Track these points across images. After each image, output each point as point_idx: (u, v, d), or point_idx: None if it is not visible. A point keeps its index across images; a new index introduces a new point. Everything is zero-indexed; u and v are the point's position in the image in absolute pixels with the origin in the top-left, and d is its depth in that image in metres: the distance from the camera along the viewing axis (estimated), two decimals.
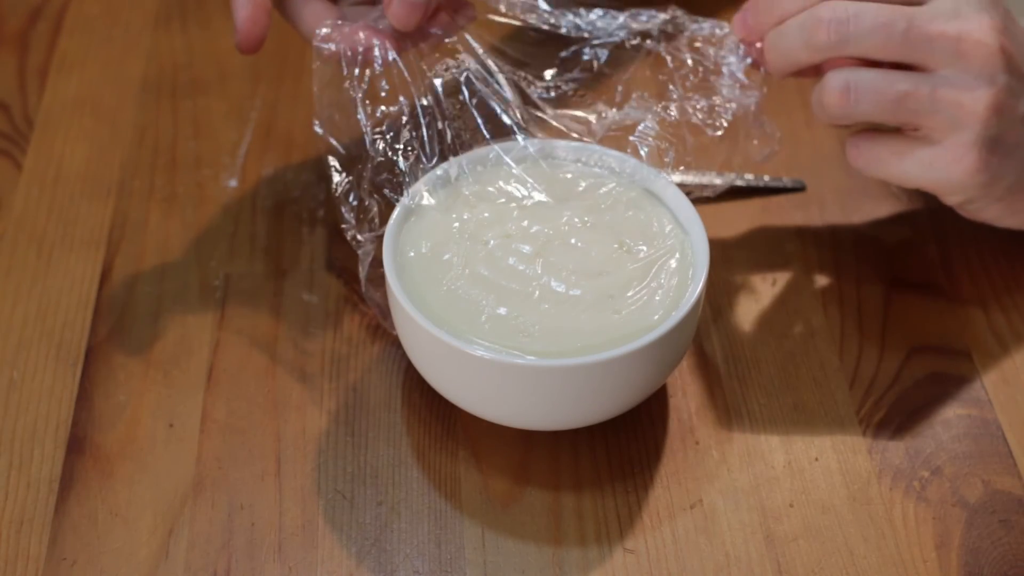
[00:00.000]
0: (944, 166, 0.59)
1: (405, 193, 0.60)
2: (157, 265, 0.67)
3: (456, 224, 0.59)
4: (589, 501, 0.57)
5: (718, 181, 0.71)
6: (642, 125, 0.62)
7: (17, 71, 0.79)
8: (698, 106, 0.63)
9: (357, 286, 0.66)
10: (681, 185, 0.62)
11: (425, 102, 0.61)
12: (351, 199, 0.61)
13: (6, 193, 0.71)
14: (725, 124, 0.63)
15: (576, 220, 0.59)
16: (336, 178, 0.61)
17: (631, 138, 0.62)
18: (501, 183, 0.61)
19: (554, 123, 0.63)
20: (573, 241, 0.58)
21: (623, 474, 0.58)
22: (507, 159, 0.62)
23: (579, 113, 0.64)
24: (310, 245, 0.68)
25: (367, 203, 0.60)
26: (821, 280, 0.66)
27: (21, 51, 0.81)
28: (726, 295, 0.66)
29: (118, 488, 0.58)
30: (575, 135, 0.63)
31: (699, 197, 0.70)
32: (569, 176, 0.62)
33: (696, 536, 0.56)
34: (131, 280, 0.67)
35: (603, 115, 0.63)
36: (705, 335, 0.64)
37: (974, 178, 0.58)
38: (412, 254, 0.58)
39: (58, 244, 0.68)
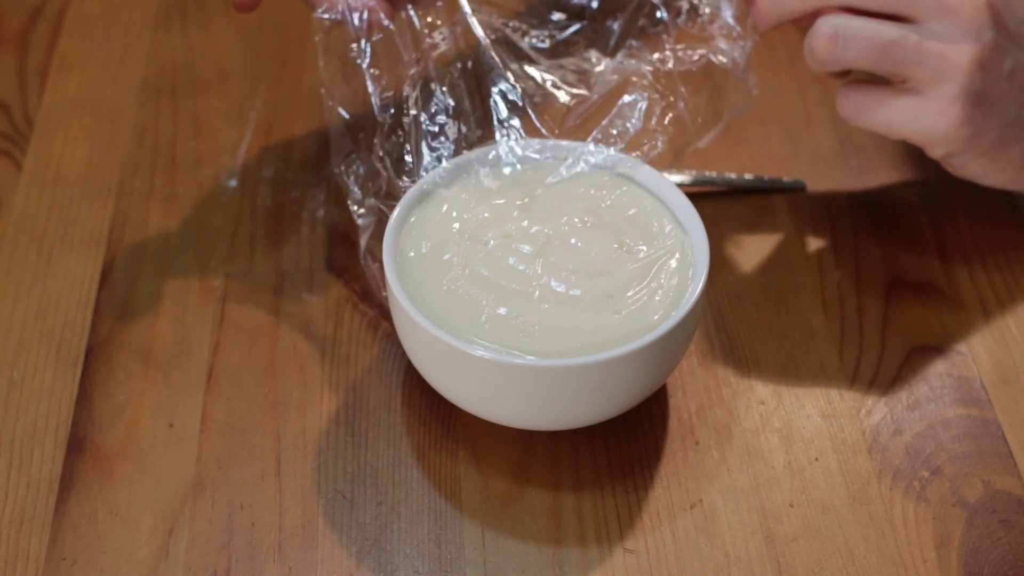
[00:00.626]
0: (928, 117, 0.60)
1: (404, 184, 0.60)
2: (157, 265, 0.67)
3: (456, 224, 0.59)
4: (589, 501, 0.57)
5: (718, 181, 0.71)
6: (635, 75, 0.63)
7: (17, 71, 0.79)
8: (693, 56, 0.64)
9: (357, 286, 0.66)
10: (681, 185, 0.62)
11: (425, 68, 0.62)
12: (356, 167, 0.61)
13: (6, 193, 0.71)
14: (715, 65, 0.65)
15: (576, 220, 0.59)
16: (340, 146, 0.61)
17: (625, 97, 0.62)
18: (501, 183, 0.61)
19: (548, 77, 0.64)
20: (573, 241, 0.58)
21: (623, 474, 0.58)
22: (507, 159, 0.62)
23: (573, 62, 0.65)
24: (310, 245, 0.68)
25: (377, 167, 0.61)
26: (821, 280, 0.66)
27: (21, 51, 0.81)
28: (726, 295, 0.66)
29: (118, 488, 0.58)
30: (572, 88, 0.64)
31: (699, 197, 0.70)
32: (569, 176, 0.62)
33: (696, 536, 0.56)
34: (131, 280, 0.67)
35: (597, 64, 0.64)
36: (705, 335, 0.64)
37: (958, 131, 0.60)
38: (412, 254, 0.58)
39: (58, 244, 0.68)
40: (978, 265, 0.67)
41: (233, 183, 0.72)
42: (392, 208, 0.59)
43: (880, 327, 0.64)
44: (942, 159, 0.63)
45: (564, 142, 0.62)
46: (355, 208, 0.62)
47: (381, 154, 0.61)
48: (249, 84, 0.78)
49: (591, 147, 0.62)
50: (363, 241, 0.61)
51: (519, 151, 0.62)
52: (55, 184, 0.72)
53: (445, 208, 0.60)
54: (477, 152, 0.62)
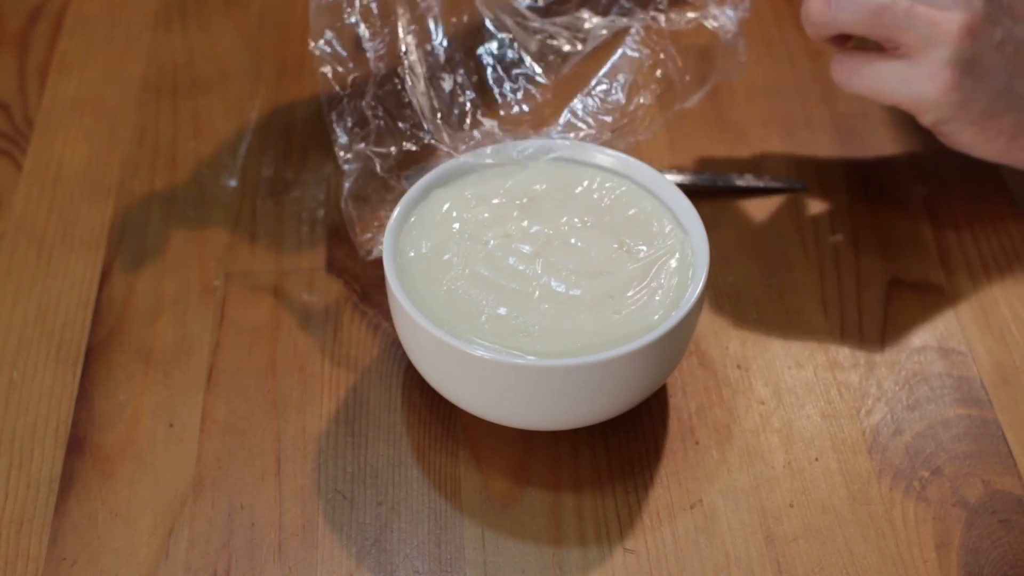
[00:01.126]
0: (918, 82, 0.61)
1: (403, 179, 0.60)
2: (157, 265, 0.67)
3: (456, 224, 0.59)
4: (589, 501, 0.57)
5: (718, 181, 0.71)
6: (631, 33, 0.64)
7: (17, 71, 0.79)
8: (684, 18, 0.65)
9: (357, 286, 0.66)
10: (681, 185, 0.62)
11: (420, 21, 0.63)
12: (345, 115, 0.61)
13: (6, 193, 0.71)
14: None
15: (576, 220, 0.59)
16: (332, 91, 0.62)
17: (617, 52, 0.64)
18: (501, 183, 0.61)
19: (542, 31, 0.65)
20: (573, 241, 0.58)
21: (623, 474, 0.58)
22: (506, 159, 0.62)
23: (566, 20, 0.65)
24: (310, 245, 0.68)
25: (367, 115, 0.61)
26: (821, 280, 0.66)
27: (21, 51, 0.81)
28: (726, 295, 0.66)
29: (118, 488, 0.58)
30: (565, 45, 0.64)
31: (699, 197, 0.70)
32: (569, 176, 0.62)
33: (696, 536, 0.56)
34: (131, 280, 0.67)
35: (589, 21, 0.65)
36: (705, 335, 0.64)
37: (947, 96, 0.61)
38: (412, 254, 0.58)
39: (58, 244, 0.68)
40: (978, 265, 0.67)
41: (233, 183, 0.72)
42: (380, 155, 0.60)
43: (880, 327, 0.64)
44: (932, 126, 0.64)
45: (566, 142, 0.62)
46: (341, 154, 0.62)
47: (373, 103, 0.62)
48: (249, 84, 0.78)
49: (595, 147, 0.62)
50: (347, 184, 0.62)
51: (520, 150, 0.62)
52: (55, 184, 0.72)
53: (445, 208, 0.60)
54: (477, 152, 0.62)
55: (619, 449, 0.59)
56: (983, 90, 0.61)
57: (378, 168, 0.62)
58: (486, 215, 0.60)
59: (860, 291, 0.66)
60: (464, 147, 0.62)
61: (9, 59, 0.80)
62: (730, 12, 0.66)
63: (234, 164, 0.73)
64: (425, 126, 0.61)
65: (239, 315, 0.65)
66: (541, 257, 0.58)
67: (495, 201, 0.60)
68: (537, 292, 0.56)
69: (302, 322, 0.64)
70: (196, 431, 0.60)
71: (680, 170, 0.71)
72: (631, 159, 0.61)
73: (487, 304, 0.56)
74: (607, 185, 0.61)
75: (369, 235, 0.63)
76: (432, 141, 0.62)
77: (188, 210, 0.70)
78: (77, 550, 0.55)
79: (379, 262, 0.58)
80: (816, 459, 0.59)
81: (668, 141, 0.74)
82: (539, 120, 0.65)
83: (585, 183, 0.61)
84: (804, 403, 0.61)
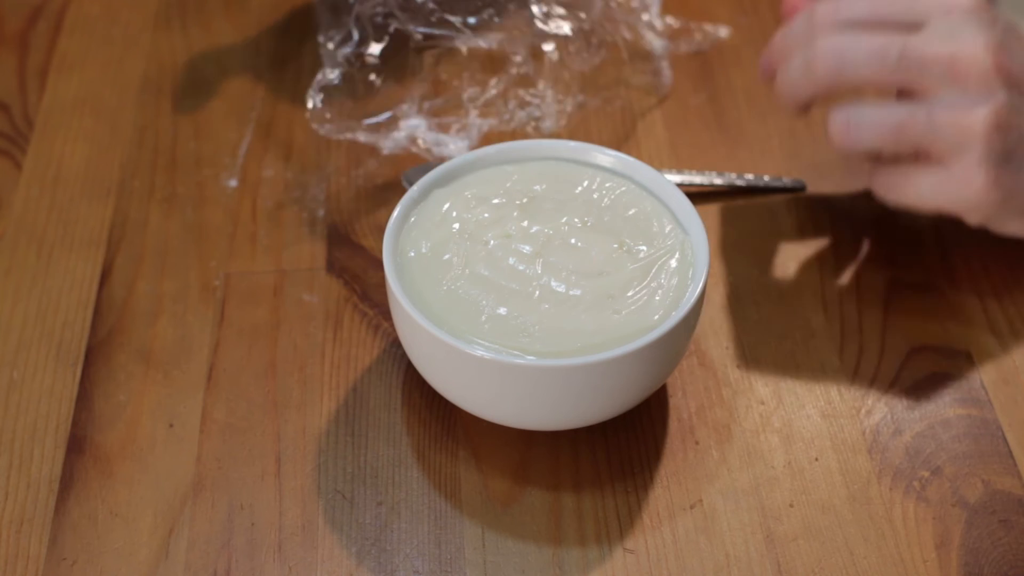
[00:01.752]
0: (955, 188, 0.59)
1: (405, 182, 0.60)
2: (157, 265, 0.67)
3: (456, 224, 0.59)
4: (589, 501, 0.57)
5: (718, 181, 0.71)
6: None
7: (17, 71, 0.79)
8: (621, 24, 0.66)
9: (357, 286, 0.66)
10: (681, 185, 0.62)
11: None
12: (334, 37, 0.65)
13: (6, 193, 0.71)
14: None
15: (576, 220, 0.59)
16: (325, 21, 0.65)
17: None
18: (501, 183, 0.61)
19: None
20: (573, 241, 0.58)
21: (623, 474, 0.58)
22: (506, 159, 0.62)
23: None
24: (310, 245, 0.68)
25: (351, 29, 0.63)
26: (821, 280, 0.66)
27: (21, 51, 0.81)
28: (726, 295, 0.66)
29: (118, 488, 0.58)
30: None
31: (699, 197, 0.70)
32: (569, 176, 0.62)
33: (696, 536, 0.56)
34: (131, 280, 0.67)
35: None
36: (705, 335, 0.64)
37: (987, 196, 0.59)
38: (412, 254, 0.58)
39: (58, 244, 0.68)
40: (978, 265, 0.67)
41: (233, 183, 0.72)
42: (359, 63, 0.60)
43: (880, 327, 0.64)
44: (980, 224, 0.62)
45: (571, 142, 0.63)
46: (328, 69, 0.62)
47: (356, 16, 0.63)
48: (249, 84, 0.78)
49: (595, 147, 0.62)
50: (321, 72, 0.66)
51: (520, 150, 0.62)
52: (55, 184, 0.72)
53: (445, 208, 0.60)
54: (477, 152, 0.62)
55: (619, 449, 0.59)
56: (1022, 184, 0.59)
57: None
58: (486, 215, 0.60)
59: (860, 291, 0.66)
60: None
61: (9, 59, 0.80)
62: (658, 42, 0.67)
63: (234, 164, 0.73)
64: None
65: (239, 315, 0.65)
66: (541, 257, 0.58)
67: (495, 201, 0.60)
68: (537, 292, 0.56)
69: (302, 322, 0.64)
70: (196, 431, 0.60)
71: (680, 170, 0.71)
72: (631, 159, 0.61)
73: (487, 304, 0.56)
74: (607, 185, 0.61)
75: (329, 115, 0.66)
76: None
77: (188, 210, 0.70)
78: (77, 550, 0.55)
79: (379, 262, 0.58)
80: (816, 459, 0.59)
81: (668, 141, 0.74)
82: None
83: (585, 183, 0.61)
84: (804, 403, 0.61)
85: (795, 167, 0.73)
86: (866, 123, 0.60)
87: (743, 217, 0.70)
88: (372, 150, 0.73)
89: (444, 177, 0.61)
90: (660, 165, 0.72)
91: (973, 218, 0.61)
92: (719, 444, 0.59)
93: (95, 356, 0.63)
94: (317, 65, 0.78)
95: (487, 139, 0.73)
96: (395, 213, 0.59)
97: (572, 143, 0.62)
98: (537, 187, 0.61)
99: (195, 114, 0.76)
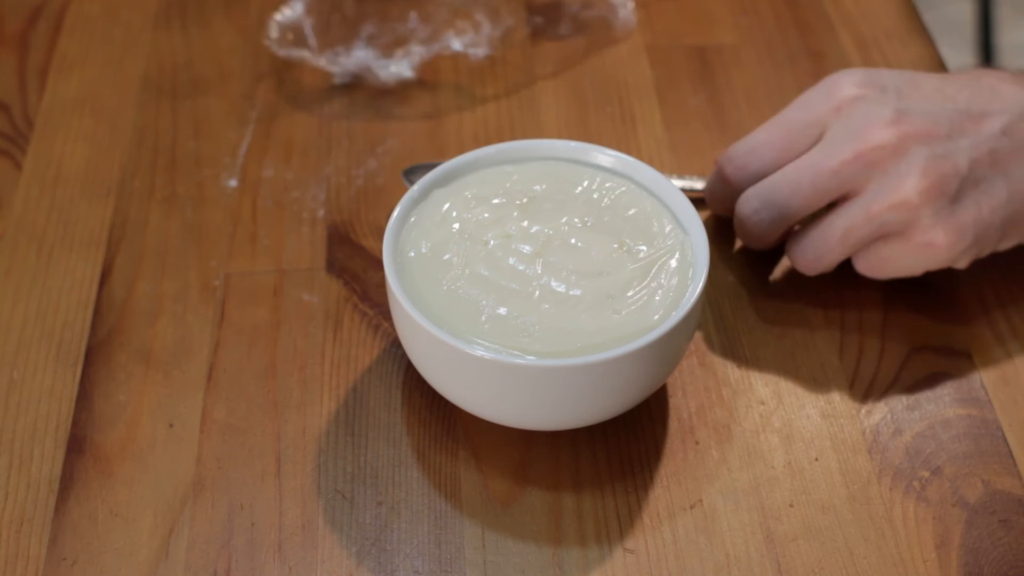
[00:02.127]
0: (923, 254, 0.60)
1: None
2: (157, 265, 0.67)
3: (456, 224, 0.59)
4: (589, 501, 0.57)
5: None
6: None
7: (17, 71, 0.79)
8: None
9: (357, 286, 0.66)
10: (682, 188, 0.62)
11: None
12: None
13: (6, 193, 0.71)
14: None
15: (576, 220, 0.59)
16: None
17: None
18: (501, 183, 0.61)
19: None
20: (573, 241, 0.58)
21: (623, 474, 0.58)
22: (506, 159, 0.62)
23: None
24: (310, 245, 0.68)
25: None
26: (821, 280, 0.66)
27: (21, 51, 0.81)
28: (726, 295, 0.66)
29: (118, 488, 0.58)
30: None
31: (699, 198, 0.70)
32: (569, 176, 0.62)
33: (696, 536, 0.56)
34: (131, 280, 0.67)
35: None
36: (705, 335, 0.64)
37: (957, 247, 0.60)
38: (412, 254, 0.58)
39: (58, 244, 0.68)
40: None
41: (233, 183, 0.72)
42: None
43: (880, 327, 0.64)
44: (971, 262, 0.62)
45: (571, 142, 0.63)
46: (293, 3, 0.65)
47: None
48: (249, 84, 0.78)
49: (595, 147, 0.62)
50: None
51: (520, 151, 0.62)
52: (55, 184, 0.72)
53: (445, 208, 0.60)
54: (477, 152, 0.62)
55: (619, 449, 0.59)
56: (987, 213, 0.60)
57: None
58: (486, 215, 0.60)
59: (860, 290, 0.66)
60: None
61: (9, 59, 0.80)
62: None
63: (234, 164, 0.73)
64: None
65: (239, 315, 0.65)
66: (541, 257, 0.58)
67: (495, 201, 0.60)
68: (537, 292, 0.56)
69: (302, 322, 0.64)
70: (196, 431, 0.60)
71: (681, 176, 0.71)
72: (631, 159, 0.61)
73: (487, 304, 0.56)
74: (607, 185, 0.61)
75: (288, 40, 0.71)
76: None
77: (188, 210, 0.70)
78: (77, 550, 0.55)
79: (379, 262, 0.58)
80: (816, 459, 0.59)
81: (668, 141, 0.74)
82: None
83: (585, 183, 0.61)
84: (804, 403, 0.61)
85: None
86: (816, 249, 0.62)
87: None
88: (372, 150, 0.73)
89: (444, 177, 0.61)
90: (660, 165, 0.72)
91: (959, 265, 0.62)
92: (719, 444, 0.59)
93: (95, 356, 0.63)
94: (318, 68, 0.79)
95: (427, 64, 0.79)
96: (395, 213, 0.59)
97: (572, 143, 0.62)
98: (537, 187, 0.61)
99: (195, 114, 0.76)
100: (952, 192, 0.59)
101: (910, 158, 0.59)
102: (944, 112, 0.61)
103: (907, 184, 0.59)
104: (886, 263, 0.62)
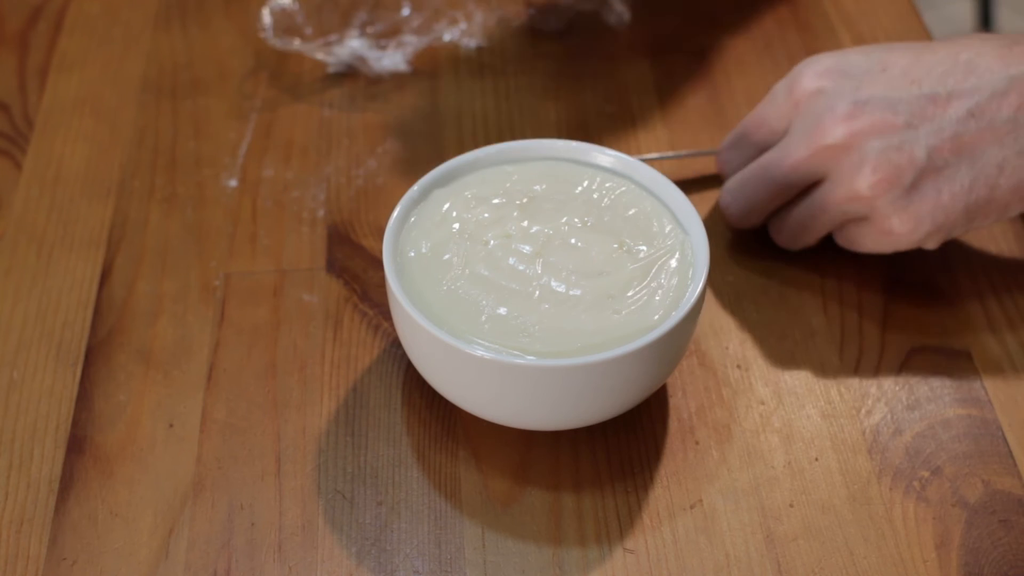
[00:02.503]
0: (889, 238, 0.62)
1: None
2: (157, 265, 0.67)
3: (456, 224, 0.59)
4: (589, 501, 0.57)
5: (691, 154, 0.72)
6: None
7: (17, 71, 0.79)
8: None
9: (357, 286, 0.66)
10: (659, 160, 0.62)
11: None
12: None
13: (6, 193, 0.71)
14: None
15: (576, 220, 0.59)
16: None
17: None
18: (501, 183, 0.61)
19: None
20: (573, 241, 0.58)
21: (623, 474, 0.58)
22: (506, 159, 0.62)
23: None
24: (310, 245, 0.68)
25: None
26: (821, 280, 0.66)
27: (21, 51, 0.81)
28: (726, 295, 0.66)
29: (118, 488, 0.58)
30: None
31: (699, 197, 0.70)
32: (569, 176, 0.62)
33: (696, 536, 0.56)
34: (131, 280, 0.67)
35: None
36: (705, 335, 0.64)
37: (916, 234, 0.61)
38: (412, 254, 0.58)
39: (58, 244, 0.68)
40: (978, 265, 0.67)
41: (233, 183, 0.72)
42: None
43: (880, 327, 0.64)
44: (943, 242, 0.63)
45: (571, 142, 0.63)
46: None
47: None
48: (249, 84, 0.78)
49: (595, 147, 0.62)
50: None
51: (520, 151, 0.62)
52: (55, 184, 0.72)
53: (445, 208, 0.60)
54: (477, 152, 0.62)
55: (619, 449, 0.59)
56: (947, 200, 0.60)
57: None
58: (486, 215, 0.60)
59: (860, 291, 0.66)
60: None
61: (9, 59, 0.80)
62: None
63: (234, 164, 0.73)
64: None
65: (239, 315, 0.65)
66: (541, 257, 0.58)
67: (495, 201, 0.60)
68: (537, 292, 0.56)
69: (302, 322, 0.64)
70: (196, 431, 0.60)
71: (653, 155, 0.71)
72: (631, 159, 0.62)
73: (487, 304, 0.56)
74: (607, 185, 0.61)
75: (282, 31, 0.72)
76: None
77: (188, 210, 0.70)
78: (77, 550, 0.55)
79: (379, 262, 0.58)
80: (816, 459, 0.59)
81: (668, 141, 0.74)
82: None
83: (585, 183, 0.61)
84: (804, 403, 0.61)
85: None
86: (795, 230, 0.65)
87: None
88: (372, 149, 0.73)
89: (444, 177, 0.61)
90: (660, 165, 0.72)
91: (929, 245, 0.62)
92: (719, 444, 0.59)
93: (95, 356, 0.63)
94: (317, 65, 0.79)
95: (420, 55, 0.79)
96: (395, 213, 0.59)
97: (572, 143, 0.63)
98: (537, 187, 0.61)
99: (195, 114, 0.76)
100: (908, 182, 0.59)
101: (863, 152, 0.60)
102: (905, 99, 0.60)
103: (859, 179, 0.60)
104: (857, 243, 0.64)
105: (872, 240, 0.63)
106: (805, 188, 0.64)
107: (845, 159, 0.60)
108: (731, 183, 0.66)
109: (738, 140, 0.67)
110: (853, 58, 0.63)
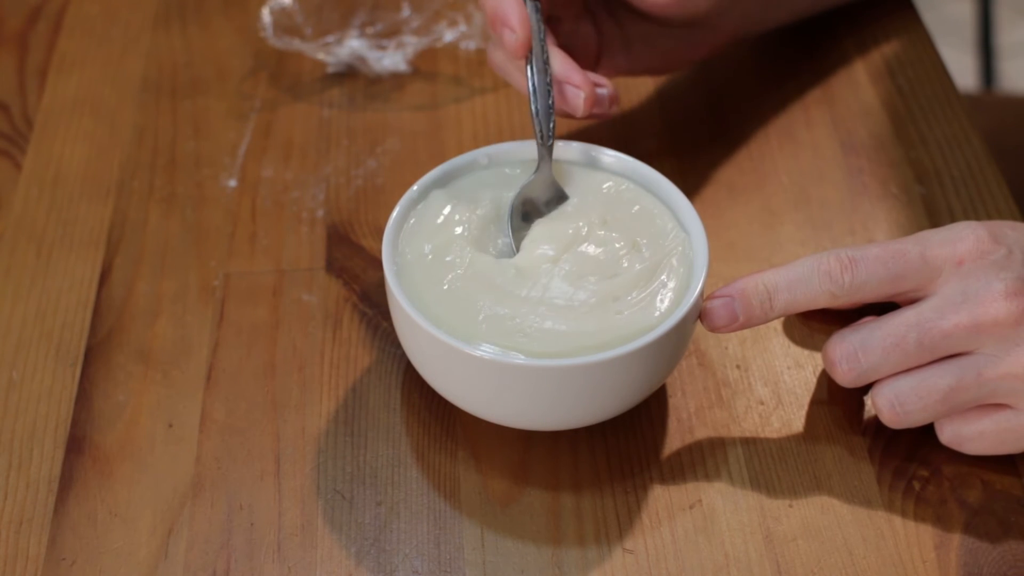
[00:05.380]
0: None
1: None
2: (157, 265, 0.67)
3: (455, 225, 0.59)
4: (588, 501, 0.57)
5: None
6: None
7: (17, 71, 0.79)
8: None
9: (357, 286, 0.66)
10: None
11: None
12: None
13: (6, 193, 0.71)
14: None
15: (577, 220, 0.59)
16: None
17: None
18: (502, 184, 0.61)
19: None
20: (573, 241, 0.58)
21: (623, 474, 0.58)
22: (506, 159, 0.62)
23: None
24: (309, 245, 0.68)
25: None
26: None
27: (21, 51, 0.81)
28: None
29: (118, 488, 0.58)
30: None
31: (699, 197, 0.70)
32: (571, 176, 0.62)
33: (696, 536, 0.56)
34: (130, 280, 0.67)
35: None
36: (705, 335, 0.64)
37: None
38: (411, 255, 0.58)
39: (58, 244, 0.68)
40: None
41: (232, 183, 0.72)
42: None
43: None
44: None
45: (571, 142, 0.63)
46: None
47: None
48: (249, 84, 0.78)
49: (595, 147, 0.62)
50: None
51: (521, 151, 0.62)
52: (55, 184, 0.72)
53: (445, 209, 0.60)
54: (477, 152, 0.62)
55: (619, 449, 0.59)
56: None
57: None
58: (485, 215, 0.60)
59: None
60: None
61: (9, 59, 0.80)
62: None
63: (233, 164, 0.73)
64: None
65: (239, 315, 0.65)
66: (541, 257, 0.58)
67: (495, 201, 0.60)
68: (536, 292, 0.56)
69: (302, 322, 0.64)
70: (195, 431, 0.60)
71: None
72: (631, 159, 0.62)
73: (486, 304, 0.56)
74: (607, 185, 0.61)
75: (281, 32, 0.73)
76: None
77: (187, 210, 0.70)
78: (76, 550, 0.55)
79: (378, 262, 0.58)
80: (816, 459, 0.59)
81: (669, 142, 0.74)
82: None
83: (585, 183, 0.61)
84: (804, 403, 0.61)
85: (794, 167, 0.73)
86: (912, 398, 0.56)
87: (743, 217, 0.70)
88: (372, 149, 0.73)
89: (444, 177, 0.61)
90: (660, 165, 0.72)
91: None
92: (718, 444, 0.59)
93: (94, 356, 0.63)
94: (317, 65, 0.79)
95: (420, 56, 0.79)
96: (394, 213, 0.59)
97: (572, 143, 0.63)
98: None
99: (194, 114, 0.76)
100: None
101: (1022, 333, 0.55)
102: None
103: (995, 307, 0.55)
104: (984, 438, 0.57)
105: (1007, 432, 0.56)
106: (944, 358, 0.57)
107: (1007, 336, 0.55)
108: (856, 334, 0.57)
109: (864, 258, 0.58)
110: (1009, 231, 0.58)
